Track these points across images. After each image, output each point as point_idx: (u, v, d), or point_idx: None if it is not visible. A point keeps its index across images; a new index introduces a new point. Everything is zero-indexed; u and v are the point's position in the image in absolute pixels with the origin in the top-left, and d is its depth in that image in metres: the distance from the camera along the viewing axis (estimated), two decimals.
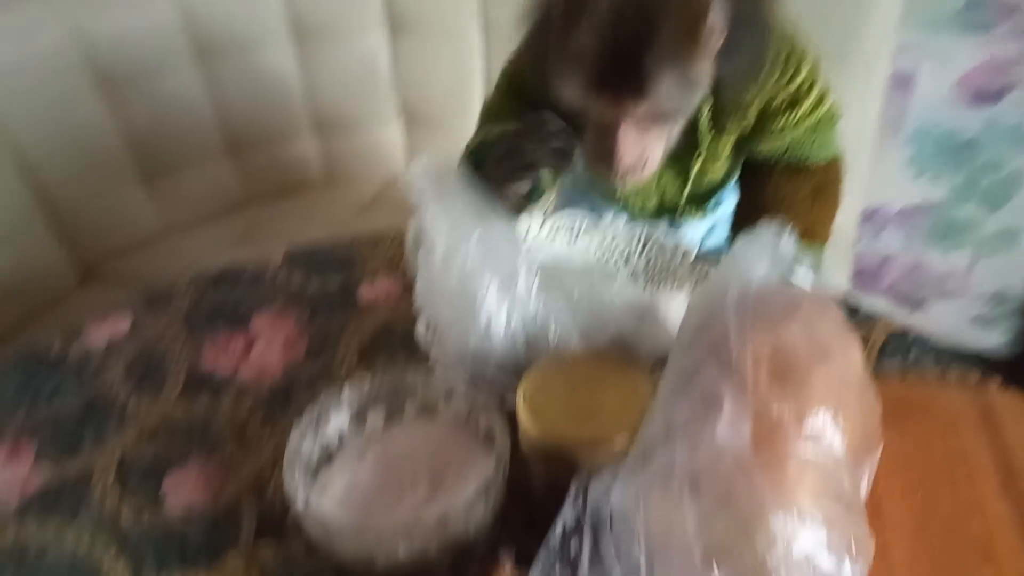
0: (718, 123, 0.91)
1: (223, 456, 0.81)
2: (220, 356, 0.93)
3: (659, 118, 0.79)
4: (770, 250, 0.71)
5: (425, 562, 0.65)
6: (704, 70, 0.78)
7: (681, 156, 0.94)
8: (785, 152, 0.93)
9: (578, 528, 0.56)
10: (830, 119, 0.93)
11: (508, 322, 0.71)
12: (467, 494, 0.65)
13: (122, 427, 0.85)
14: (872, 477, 0.68)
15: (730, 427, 0.55)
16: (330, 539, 0.66)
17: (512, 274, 0.71)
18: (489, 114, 0.99)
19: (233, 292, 1.03)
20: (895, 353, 0.86)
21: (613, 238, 0.93)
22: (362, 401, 0.77)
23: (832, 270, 1.41)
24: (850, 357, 0.63)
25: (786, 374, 0.59)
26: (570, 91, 0.77)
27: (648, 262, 0.94)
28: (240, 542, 0.73)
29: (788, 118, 0.90)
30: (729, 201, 1.09)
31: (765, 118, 0.91)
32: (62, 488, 0.79)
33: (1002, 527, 0.65)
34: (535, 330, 0.71)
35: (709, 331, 0.63)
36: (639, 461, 0.57)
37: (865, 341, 0.87)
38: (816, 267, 0.93)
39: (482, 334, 0.71)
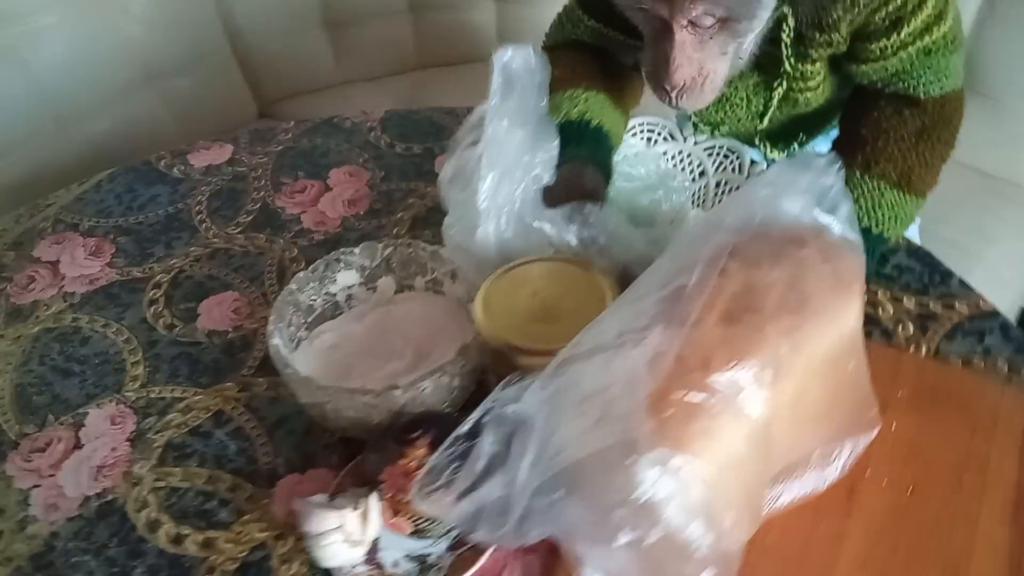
0: (801, 43, 0.78)
1: (258, 292, 0.85)
2: (292, 199, 0.97)
3: (719, 23, 0.69)
4: (810, 182, 0.62)
5: (367, 428, 0.66)
6: None
7: (760, 82, 0.83)
8: (891, 80, 0.79)
9: (478, 428, 0.54)
10: (946, 45, 0.77)
11: (498, 217, 0.67)
12: (423, 373, 0.65)
13: (188, 246, 0.92)
14: (852, 458, 0.60)
15: (644, 357, 0.50)
16: (295, 385, 0.69)
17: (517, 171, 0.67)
18: (564, 19, 0.92)
19: (327, 142, 1.06)
20: (970, 335, 0.73)
21: (690, 152, 0.84)
22: (374, 266, 0.78)
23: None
24: (837, 318, 0.55)
25: (741, 317, 0.52)
26: None
27: (722, 182, 0.85)
28: (239, 373, 0.77)
29: (889, 41, 0.76)
30: (822, 146, 0.95)
31: (860, 39, 0.77)
32: (121, 290, 0.88)
33: (988, 553, 0.55)
34: (523, 231, 0.68)
35: (692, 251, 0.57)
36: (553, 373, 0.53)
37: (934, 317, 0.75)
38: (900, 221, 0.80)
39: (479, 224, 0.69)
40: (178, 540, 0.65)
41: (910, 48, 0.75)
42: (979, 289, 0.80)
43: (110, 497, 0.69)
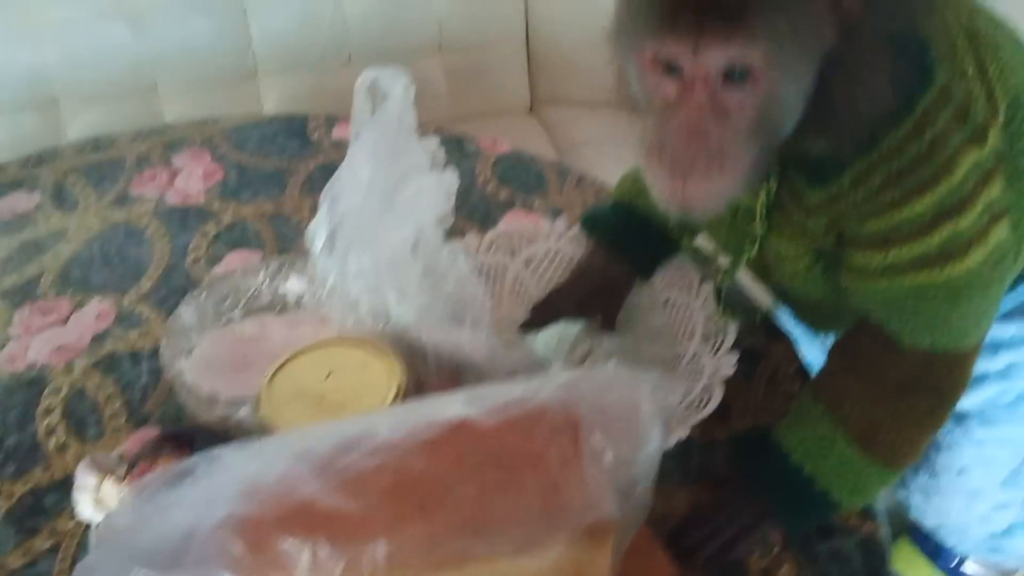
0: (774, 209, 0.64)
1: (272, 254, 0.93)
2: None
3: (746, 85, 0.54)
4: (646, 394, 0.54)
5: (196, 421, 0.71)
6: (820, 34, 0.54)
7: (740, 227, 0.69)
8: (870, 309, 0.62)
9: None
10: (956, 292, 0.59)
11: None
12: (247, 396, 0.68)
13: (264, 200, 1.02)
14: None
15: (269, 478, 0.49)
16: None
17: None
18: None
19: None
20: None
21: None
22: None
23: None
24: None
25: (405, 498, 0.48)
26: (639, 31, 0.56)
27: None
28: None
29: (874, 258, 0.59)
30: None
31: (842, 242, 0.61)
32: (194, 215, 1.01)
33: None
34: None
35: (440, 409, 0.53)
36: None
37: None
38: (854, 487, 0.65)
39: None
40: (57, 441, 0.76)
41: (903, 280, 0.59)
42: None
43: (41, 374, 0.82)
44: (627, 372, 0.56)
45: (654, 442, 0.56)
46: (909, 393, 0.63)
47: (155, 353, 0.81)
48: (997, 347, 0.82)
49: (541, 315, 0.79)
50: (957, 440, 0.88)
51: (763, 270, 0.73)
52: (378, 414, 0.55)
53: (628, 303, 0.82)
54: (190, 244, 0.96)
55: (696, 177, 0.56)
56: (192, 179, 1.06)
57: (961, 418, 0.88)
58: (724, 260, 0.75)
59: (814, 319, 0.82)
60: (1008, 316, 0.81)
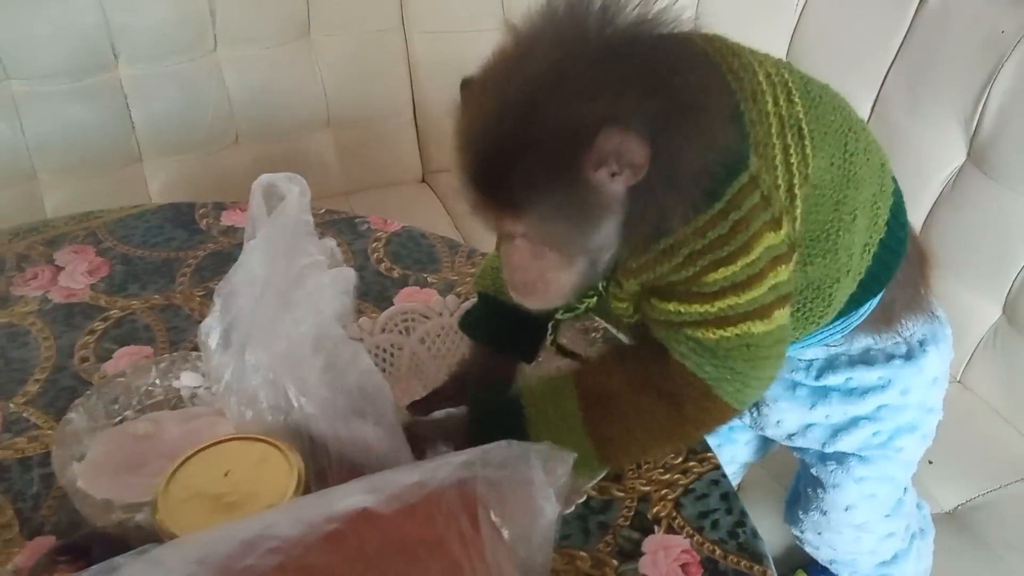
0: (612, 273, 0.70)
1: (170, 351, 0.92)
2: None
3: (548, 244, 0.64)
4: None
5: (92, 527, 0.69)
6: (601, 205, 0.62)
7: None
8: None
9: None
10: (726, 351, 0.66)
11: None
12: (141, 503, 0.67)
13: (154, 293, 1.02)
14: None
15: None
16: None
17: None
18: None
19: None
20: None
21: None
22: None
23: None
24: None
25: None
26: (462, 193, 0.65)
27: None
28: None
29: (660, 307, 0.67)
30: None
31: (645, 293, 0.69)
32: (80, 311, 0.99)
33: None
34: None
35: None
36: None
37: None
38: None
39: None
40: None
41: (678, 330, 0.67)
42: None
43: None
44: (519, 447, 0.59)
45: (549, 513, 0.58)
46: (654, 394, 0.68)
47: (46, 458, 0.79)
48: (864, 391, 0.89)
49: (423, 409, 0.81)
50: (840, 480, 0.94)
51: (603, 311, 0.78)
52: (277, 511, 0.55)
53: (526, 373, 0.85)
54: (77, 342, 0.95)
55: (529, 294, 0.68)
56: (76, 275, 1.04)
57: (842, 458, 0.94)
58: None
59: None
60: (870, 363, 0.88)
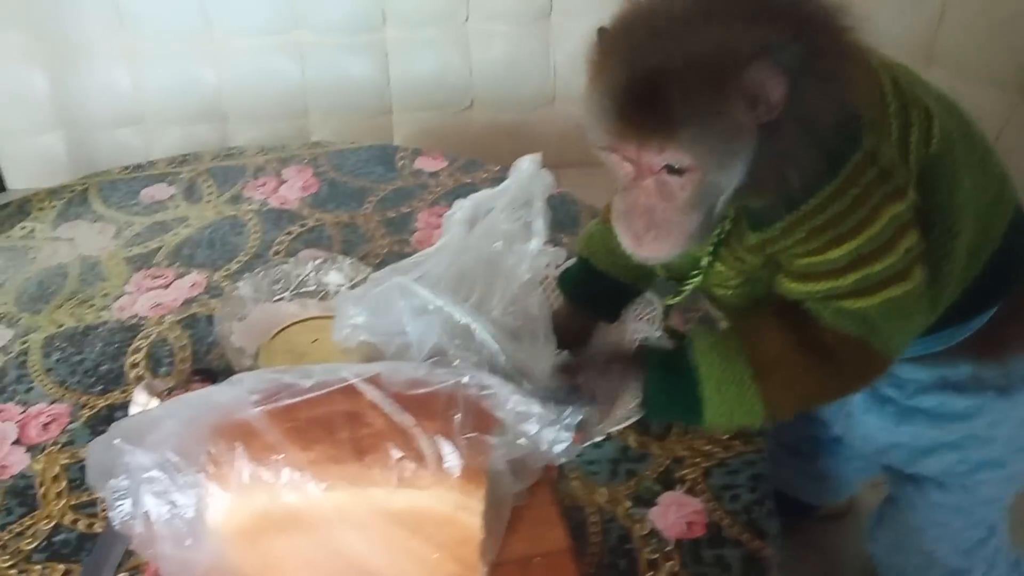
0: (720, 244, 0.74)
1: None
2: None
3: (688, 174, 0.66)
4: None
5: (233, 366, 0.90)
6: (741, 135, 0.65)
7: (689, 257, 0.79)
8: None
9: None
10: (866, 306, 0.69)
11: None
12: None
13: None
14: None
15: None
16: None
17: None
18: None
19: None
20: None
21: None
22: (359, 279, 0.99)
23: None
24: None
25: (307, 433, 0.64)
26: (599, 133, 0.69)
27: None
28: None
29: (797, 288, 0.71)
30: None
31: (773, 271, 0.73)
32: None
33: None
34: None
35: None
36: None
37: None
38: (722, 409, 0.73)
39: None
40: (136, 374, 0.98)
41: (833, 302, 0.70)
42: None
43: (139, 323, 1.04)
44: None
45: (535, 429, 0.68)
46: (815, 355, 0.71)
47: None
48: (952, 418, 0.88)
49: None
50: (916, 501, 0.93)
51: (705, 293, 0.83)
52: (315, 366, 0.70)
53: (603, 342, 0.93)
54: (276, 239, 1.17)
55: (649, 240, 0.70)
56: (293, 189, 1.28)
57: (921, 481, 0.93)
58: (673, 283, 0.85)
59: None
60: (962, 390, 0.86)
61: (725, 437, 0.86)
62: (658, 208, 0.69)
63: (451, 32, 1.84)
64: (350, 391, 0.65)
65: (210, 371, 0.86)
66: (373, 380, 0.65)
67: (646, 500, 0.80)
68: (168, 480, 0.62)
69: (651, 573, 0.74)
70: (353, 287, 0.97)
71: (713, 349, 0.74)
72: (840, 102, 0.65)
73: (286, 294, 1.00)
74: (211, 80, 1.86)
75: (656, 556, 0.76)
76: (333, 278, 1.00)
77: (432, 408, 0.65)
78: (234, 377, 0.71)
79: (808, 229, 0.69)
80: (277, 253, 1.14)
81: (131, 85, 1.84)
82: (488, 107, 1.90)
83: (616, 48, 0.67)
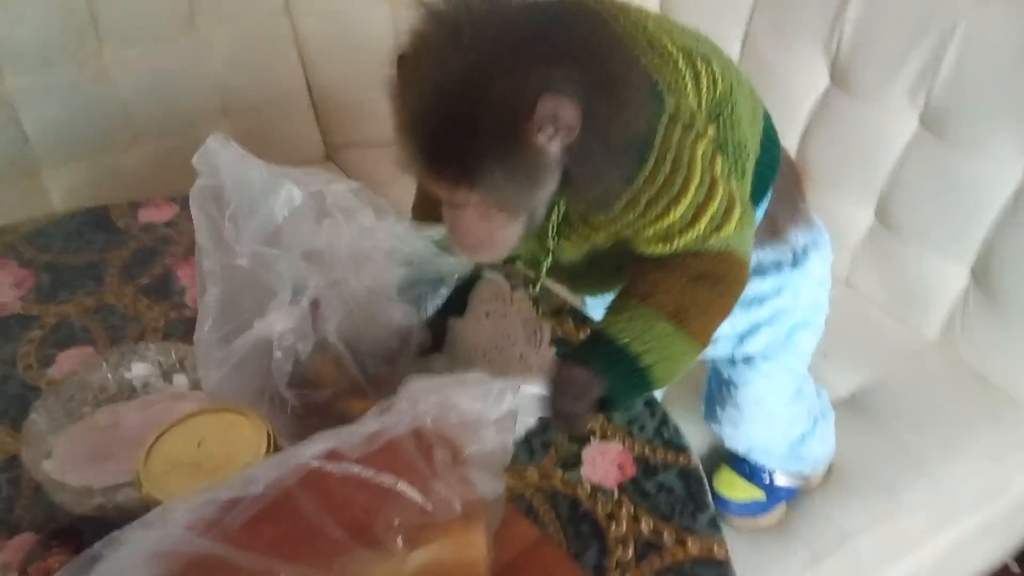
0: (562, 225, 0.80)
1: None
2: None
3: (498, 207, 0.72)
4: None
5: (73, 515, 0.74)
6: (546, 164, 0.70)
7: (542, 240, 0.84)
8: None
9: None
10: (726, 235, 0.77)
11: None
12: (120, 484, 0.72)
13: (86, 296, 1.04)
14: None
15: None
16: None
17: None
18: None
19: None
20: None
21: None
22: (168, 363, 0.86)
23: None
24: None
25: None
26: (412, 171, 0.72)
27: None
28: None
29: (661, 247, 0.78)
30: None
31: (624, 242, 0.79)
32: (14, 322, 1.01)
33: None
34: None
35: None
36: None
37: (659, 548, 0.73)
38: (668, 358, 0.76)
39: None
40: None
41: (682, 244, 0.77)
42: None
43: None
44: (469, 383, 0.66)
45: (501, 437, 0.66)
46: (708, 281, 0.77)
47: (9, 463, 0.83)
48: (762, 300, 1.00)
49: None
50: (750, 378, 1.06)
51: (557, 269, 0.88)
52: (253, 469, 0.61)
53: (455, 326, 0.92)
54: (18, 353, 0.97)
55: (480, 251, 0.77)
56: (4, 289, 1.06)
57: (749, 360, 1.05)
58: (523, 268, 0.88)
59: (585, 287, 0.98)
60: (763, 273, 0.99)
61: None
62: (480, 228, 0.73)
63: (86, 68, 1.61)
64: (311, 477, 0.57)
65: (66, 530, 0.70)
66: (333, 455, 0.58)
67: (572, 463, 0.82)
68: None
69: (613, 525, 0.77)
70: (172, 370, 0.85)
71: (629, 324, 0.77)
72: (631, 93, 0.71)
73: (87, 408, 0.84)
74: None
75: (610, 508, 0.78)
76: (137, 370, 0.86)
77: (403, 455, 0.60)
78: (142, 520, 0.58)
79: (645, 202, 0.75)
80: (29, 368, 0.95)
81: None
82: (154, 137, 1.71)
83: (414, 93, 0.69)
